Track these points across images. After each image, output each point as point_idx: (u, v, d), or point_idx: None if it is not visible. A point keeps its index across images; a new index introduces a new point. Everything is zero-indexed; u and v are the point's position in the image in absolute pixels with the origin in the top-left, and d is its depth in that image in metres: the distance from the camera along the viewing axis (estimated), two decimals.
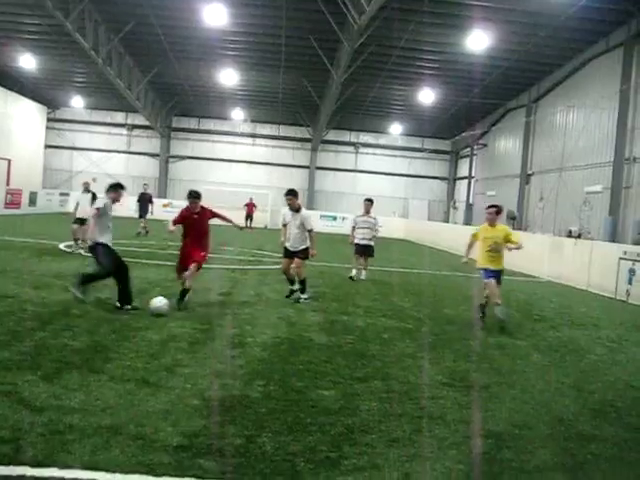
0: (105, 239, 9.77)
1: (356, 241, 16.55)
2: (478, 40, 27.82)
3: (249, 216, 40.66)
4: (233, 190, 44.60)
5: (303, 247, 11.87)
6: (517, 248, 10.71)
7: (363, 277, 16.26)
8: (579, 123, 31.42)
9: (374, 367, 7.37)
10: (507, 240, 10.74)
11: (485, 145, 46.10)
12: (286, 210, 12.19)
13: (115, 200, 10.06)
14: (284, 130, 50.68)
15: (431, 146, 51.88)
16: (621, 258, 17.50)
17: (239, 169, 50.58)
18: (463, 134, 47.27)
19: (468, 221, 46.80)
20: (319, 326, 9.65)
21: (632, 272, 16.89)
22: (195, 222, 10.44)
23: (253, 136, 51.18)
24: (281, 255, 12.41)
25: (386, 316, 11.00)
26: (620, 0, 24.70)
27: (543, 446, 5.22)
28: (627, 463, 5.04)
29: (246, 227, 38.00)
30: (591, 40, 29.36)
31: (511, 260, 22.77)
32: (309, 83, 38.19)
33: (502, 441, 5.25)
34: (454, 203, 52.58)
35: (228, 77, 38.11)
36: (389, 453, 4.82)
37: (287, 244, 11.99)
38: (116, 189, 10.09)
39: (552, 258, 21.50)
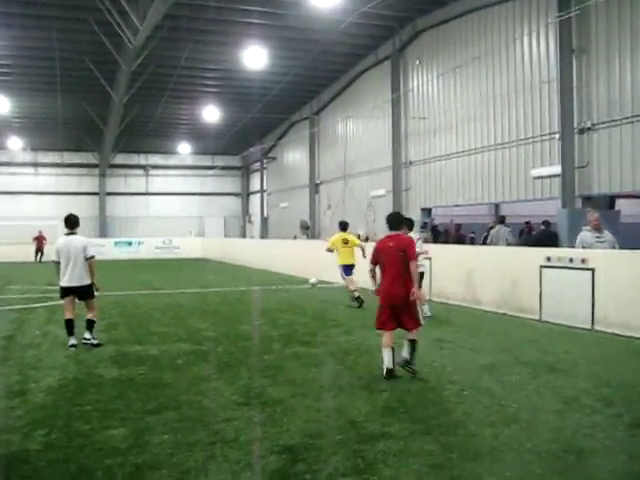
0: None
1: None
2: (256, 56, 28.10)
3: (39, 250, 38.40)
4: (19, 224, 41.69)
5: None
6: None
7: None
8: (358, 132, 32.92)
9: (167, 396, 7.09)
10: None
11: (274, 158, 46.99)
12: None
13: None
14: (68, 157, 48.29)
15: (222, 163, 52.09)
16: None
17: (24, 200, 47.36)
18: (251, 149, 47.81)
19: (264, 234, 47.50)
20: (110, 360, 9.18)
21: None
22: None
23: (35, 165, 48.43)
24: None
25: (181, 340, 10.72)
26: (385, 17, 26.15)
27: (335, 452, 5.26)
28: (412, 454, 5.21)
29: (36, 262, 36.29)
30: (362, 54, 30.94)
31: (304, 268, 23.44)
32: (90, 106, 36.62)
33: (296, 454, 5.22)
34: (249, 218, 53.16)
35: None
36: None
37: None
38: None
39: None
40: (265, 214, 49.35)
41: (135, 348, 10.08)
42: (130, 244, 44.94)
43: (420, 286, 10.16)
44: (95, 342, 10.28)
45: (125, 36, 24.35)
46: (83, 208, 46.27)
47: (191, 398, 7.01)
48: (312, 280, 19.89)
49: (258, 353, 9.53)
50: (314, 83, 35.74)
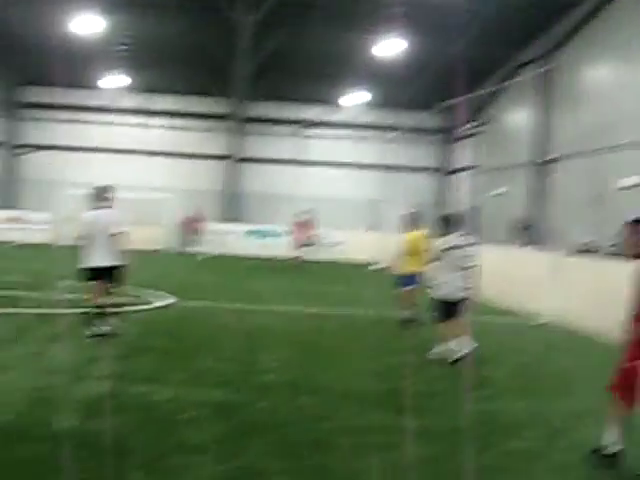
0: None
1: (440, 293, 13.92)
2: None
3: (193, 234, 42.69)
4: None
5: None
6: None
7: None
8: (610, 84, 31.42)
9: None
10: None
11: (487, 121, 46.00)
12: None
13: None
14: (187, 103, 50.40)
15: (410, 122, 51.57)
16: None
17: (126, 162, 49.85)
18: (453, 101, 46.30)
19: (473, 233, 46.35)
20: (83, 402, 9.08)
21: None
22: None
23: (145, 113, 50.77)
24: None
25: (218, 384, 10.56)
26: None
27: None
28: None
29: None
30: None
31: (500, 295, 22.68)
32: (213, 31, 37.75)
33: None
34: (448, 207, 52.31)
35: (87, 23, 37.37)
36: None
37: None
38: None
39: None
40: (472, 202, 48.33)
41: (139, 389, 10.07)
42: (268, 235, 45.35)
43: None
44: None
45: None
46: (206, 177, 47.87)
47: None
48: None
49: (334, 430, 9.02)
50: (545, 7, 34.68)
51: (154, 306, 18.20)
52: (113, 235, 13.25)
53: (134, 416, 8.79)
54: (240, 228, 45.43)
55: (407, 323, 16.45)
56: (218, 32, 37.50)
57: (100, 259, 13.25)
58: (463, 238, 13.64)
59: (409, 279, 16.53)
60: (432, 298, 13.81)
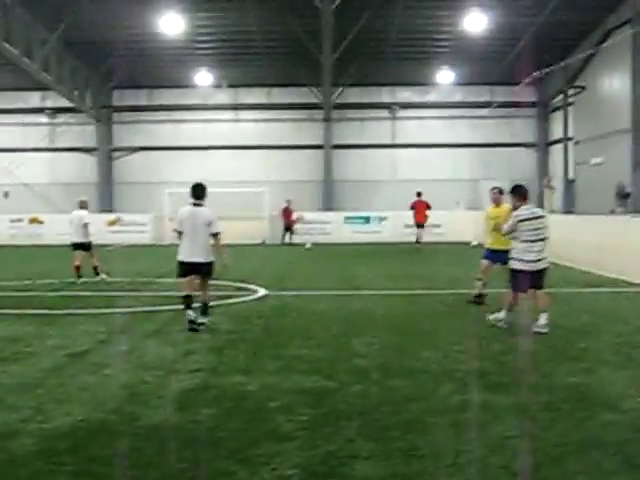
0: None
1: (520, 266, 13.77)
2: None
3: (288, 227, 43.41)
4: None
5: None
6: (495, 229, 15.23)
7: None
8: None
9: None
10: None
11: (583, 88, 44.97)
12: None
13: None
14: (278, 95, 50.64)
15: (505, 97, 50.70)
16: None
17: (218, 158, 50.43)
18: (547, 70, 45.20)
19: (569, 207, 45.69)
20: (181, 395, 9.11)
21: None
22: None
23: (235, 108, 51.18)
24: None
25: (311, 371, 10.46)
26: None
27: None
28: None
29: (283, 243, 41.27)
30: None
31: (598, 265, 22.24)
32: (296, 20, 37.78)
33: None
34: (549, 181, 51.42)
35: (173, 23, 37.90)
36: None
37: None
38: None
39: None
40: (570, 175, 47.49)
41: (231, 380, 10.08)
42: (367, 220, 45.46)
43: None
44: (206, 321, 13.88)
45: None
46: (301, 168, 48.25)
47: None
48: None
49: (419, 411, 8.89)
50: None
51: (250, 298, 18.23)
52: (212, 235, 13.92)
53: (225, 407, 8.77)
54: (339, 216, 45.49)
55: (477, 298, 16.71)
56: (302, 20, 37.55)
57: (193, 254, 13.78)
58: (534, 210, 13.82)
59: (492, 254, 16.58)
60: (510, 269, 13.75)
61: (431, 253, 34.97)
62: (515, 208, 13.77)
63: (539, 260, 13.23)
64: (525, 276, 13.13)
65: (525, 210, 13.47)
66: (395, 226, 44.07)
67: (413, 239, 37.88)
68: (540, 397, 8.93)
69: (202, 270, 13.89)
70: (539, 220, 13.38)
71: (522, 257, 13.20)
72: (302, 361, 11.25)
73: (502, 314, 13.83)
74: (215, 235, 13.96)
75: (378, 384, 9.82)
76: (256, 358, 11.57)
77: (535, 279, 13.26)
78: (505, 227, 13.74)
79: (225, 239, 14.23)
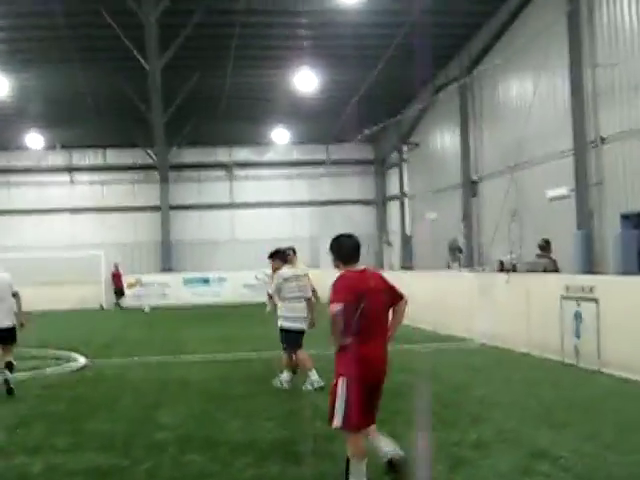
0: None
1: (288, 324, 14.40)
2: None
3: (119, 291, 43.09)
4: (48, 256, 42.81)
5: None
6: None
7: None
8: (528, 96, 31.19)
9: None
10: None
11: (417, 144, 45.76)
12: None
13: None
14: (114, 156, 50.12)
15: (340, 155, 51.52)
16: (563, 297, 16.78)
17: (54, 222, 49.02)
18: (381, 125, 45.66)
19: (406, 262, 46.18)
20: None
21: (579, 317, 16.16)
22: None
23: (69, 169, 50.30)
24: None
25: (103, 448, 10.00)
26: None
27: None
28: None
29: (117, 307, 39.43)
30: None
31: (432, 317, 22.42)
32: (125, 80, 37.49)
33: None
34: (386, 237, 52.05)
35: None
36: None
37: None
38: None
39: (482, 307, 20.78)
40: (407, 230, 48.14)
41: (14, 461, 9.53)
42: (207, 281, 45.09)
43: None
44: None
45: None
46: (139, 230, 47.69)
47: None
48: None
49: None
50: (460, 24, 34.92)
51: (68, 369, 17.66)
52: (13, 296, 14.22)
53: None
54: (177, 277, 45.03)
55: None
56: (131, 81, 37.23)
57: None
58: (297, 269, 14.56)
59: None
60: (280, 329, 14.18)
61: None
62: (277, 269, 14.43)
63: (303, 319, 13.90)
64: (297, 334, 13.89)
65: (286, 270, 14.20)
66: (235, 287, 43.91)
67: (253, 300, 37.60)
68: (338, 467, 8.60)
69: (7, 336, 14.14)
70: (299, 279, 14.23)
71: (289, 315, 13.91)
72: (100, 436, 10.76)
73: (285, 375, 14.21)
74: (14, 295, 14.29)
75: (173, 459, 9.46)
76: (50, 435, 11.00)
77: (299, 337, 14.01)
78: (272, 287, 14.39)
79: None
